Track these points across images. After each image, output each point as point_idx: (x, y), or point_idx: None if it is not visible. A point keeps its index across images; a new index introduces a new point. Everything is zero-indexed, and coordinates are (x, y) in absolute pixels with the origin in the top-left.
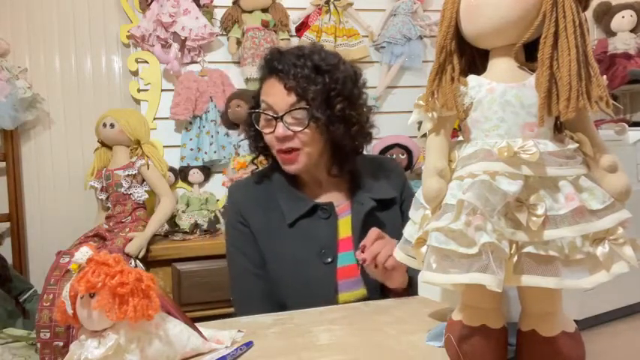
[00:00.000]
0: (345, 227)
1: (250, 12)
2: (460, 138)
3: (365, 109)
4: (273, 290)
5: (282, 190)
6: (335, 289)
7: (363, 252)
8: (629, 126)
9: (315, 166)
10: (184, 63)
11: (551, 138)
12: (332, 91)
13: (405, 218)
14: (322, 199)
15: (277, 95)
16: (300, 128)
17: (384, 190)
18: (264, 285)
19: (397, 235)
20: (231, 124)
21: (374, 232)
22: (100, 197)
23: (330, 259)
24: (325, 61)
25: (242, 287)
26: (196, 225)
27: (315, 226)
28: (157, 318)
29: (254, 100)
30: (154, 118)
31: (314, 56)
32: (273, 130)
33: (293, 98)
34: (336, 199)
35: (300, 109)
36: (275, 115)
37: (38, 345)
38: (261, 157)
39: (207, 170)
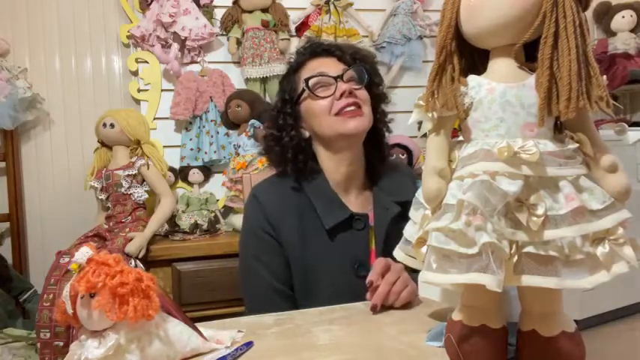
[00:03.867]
0: (373, 237)
1: (250, 12)
2: (460, 138)
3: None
4: (300, 302)
5: (318, 194)
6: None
7: (370, 285)
8: (629, 126)
9: (359, 154)
10: (184, 63)
11: (551, 138)
12: (373, 70)
13: None
14: (356, 208)
15: (331, 64)
16: (359, 85)
17: (403, 191)
18: (286, 303)
19: None
20: (231, 124)
21: (379, 264)
22: (100, 197)
23: (364, 273)
24: (363, 50)
25: (261, 303)
26: (196, 225)
27: (351, 238)
28: (157, 318)
29: (290, 89)
30: (154, 118)
31: (352, 45)
32: (334, 92)
33: (345, 65)
34: (367, 208)
35: (355, 67)
36: (335, 76)
37: (38, 345)
38: (262, 158)
39: (207, 170)
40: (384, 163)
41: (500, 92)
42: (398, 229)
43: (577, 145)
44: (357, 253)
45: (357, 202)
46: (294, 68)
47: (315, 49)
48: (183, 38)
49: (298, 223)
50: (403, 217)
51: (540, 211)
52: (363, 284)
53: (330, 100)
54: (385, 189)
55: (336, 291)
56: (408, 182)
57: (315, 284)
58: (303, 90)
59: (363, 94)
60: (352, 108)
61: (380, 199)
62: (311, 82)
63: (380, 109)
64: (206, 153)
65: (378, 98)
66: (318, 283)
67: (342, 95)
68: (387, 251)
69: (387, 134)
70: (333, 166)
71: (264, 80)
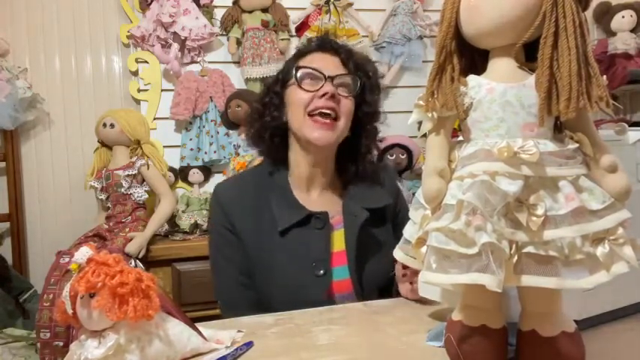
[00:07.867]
0: (339, 240)
1: (250, 12)
2: (460, 138)
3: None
4: (261, 298)
5: (277, 193)
6: (329, 302)
7: (405, 275)
8: (629, 126)
9: (327, 159)
10: (184, 63)
11: (551, 138)
12: (374, 87)
13: (398, 233)
14: (316, 207)
15: (330, 63)
16: (347, 93)
17: (377, 198)
18: (251, 294)
19: (389, 249)
20: (231, 124)
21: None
22: (100, 197)
23: (322, 272)
24: (372, 62)
25: (229, 296)
26: (196, 225)
27: (308, 236)
28: (157, 318)
29: (285, 71)
30: (154, 118)
31: (364, 55)
32: (318, 89)
33: (344, 69)
34: (330, 208)
35: (352, 75)
36: (326, 75)
37: (38, 345)
38: (261, 158)
39: (207, 170)
40: (359, 175)
41: (500, 92)
42: (368, 234)
43: (577, 145)
44: (315, 251)
45: (319, 200)
46: (297, 55)
47: (323, 44)
48: (183, 38)
49: (255, 220)
50: (373, 223)
51: (540, 211)
52: (322, 284)
53: (311, 95)
54: (356, 197)
55: (293, 288)
56: (382, 189)
57: (273, 280)
58: (293, 75)
59: (346, 103)
60: (327, 113)
61: (349, 206)
62: (301, 72)
63: (367, 127)
64: (206, 153)
65: (367, 116)
66: (275, 279)
67: (323, 95)
68: (360, 254)
69: (374, 151)
70: (298, 160)
71: (264, 80)
